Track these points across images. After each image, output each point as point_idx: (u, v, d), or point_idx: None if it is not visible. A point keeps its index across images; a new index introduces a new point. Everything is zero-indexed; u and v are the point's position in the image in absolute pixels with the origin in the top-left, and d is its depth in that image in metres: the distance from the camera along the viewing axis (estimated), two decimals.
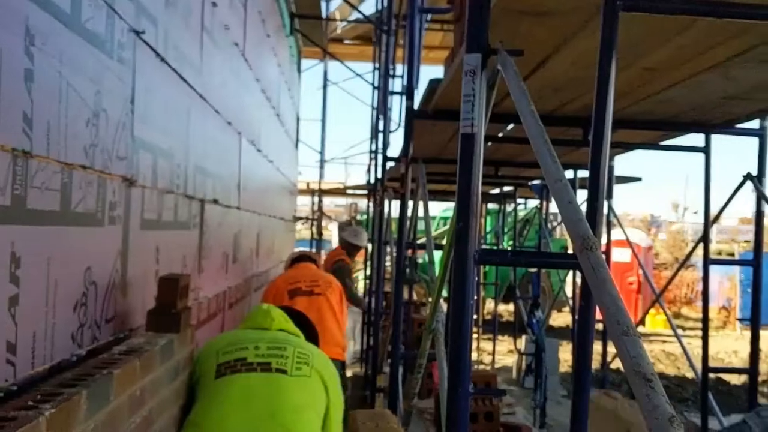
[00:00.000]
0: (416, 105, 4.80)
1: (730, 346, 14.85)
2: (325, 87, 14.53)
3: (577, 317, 6.17)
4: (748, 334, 5.52)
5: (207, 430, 2.49)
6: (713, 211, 5.24)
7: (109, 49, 2.25)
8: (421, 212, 5.28)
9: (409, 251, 7.06)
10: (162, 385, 2.29)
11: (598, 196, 1.99)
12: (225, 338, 2.88)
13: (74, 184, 1.97)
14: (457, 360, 2.07)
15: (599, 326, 4.67)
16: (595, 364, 5.90)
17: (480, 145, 2.06)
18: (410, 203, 5.43)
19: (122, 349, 2.12)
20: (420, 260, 11.35)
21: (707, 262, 5.14)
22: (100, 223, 2.20)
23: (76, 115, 1.98)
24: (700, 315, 5.71)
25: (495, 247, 11.76)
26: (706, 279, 5.19)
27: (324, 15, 11.83)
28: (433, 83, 4.27)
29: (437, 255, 4.65)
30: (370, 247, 9.41)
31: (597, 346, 6.14)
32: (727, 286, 19.39)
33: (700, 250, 5.34)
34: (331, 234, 18.59)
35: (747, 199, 4.92)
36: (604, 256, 1.36)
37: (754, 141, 4.62)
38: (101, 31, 2.19)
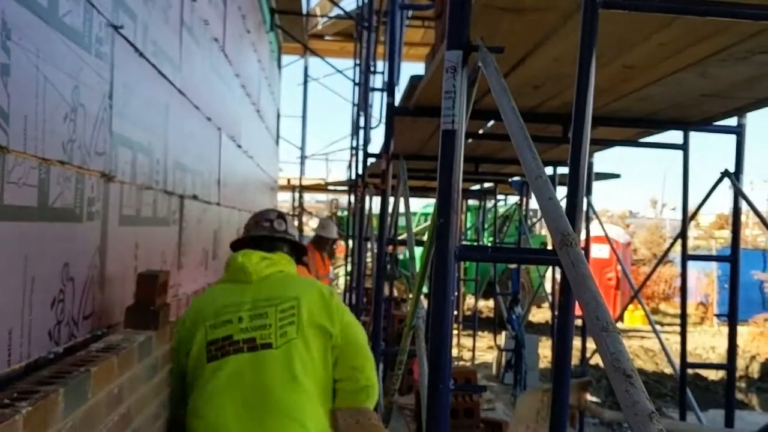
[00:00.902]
0: (397, 101, 4.80)
1: (708, 342, 14.97)
2: (305, 83, 14.52)
3: (556, 313, 6.20)
4: (725, 330, 5.57)
5: (211, 422, 2.54)
6: (691, 207, 5.28)
7: (87, 43, 2.23)
8: (401, 208, 5.28)
9: (390, 247, 7.06)
10: (140, 383, 2.27)
11: (578, 193, 1.99)
12: (210, 304, 2.77)
13: (52, 179, 1.95)
14: (437, 356, 2.08)
15: (579, 322, 4.69)
16: (575, 359, 5.93)
17: (461, 142, 2.07)
18: (391, 199, 5.43)
19: (100, 347, 2.10)
20: (401, 256, 11.36)
21: (685, 258, 5.18)
22: (79, 219, 2.18)
23: (53, 111, 1.96)
24: (678, 311, 5.77)
25: (475, 243, 11.79)
26: (684, 275, 5.23)
27: (304, 11, 11.80)
28: (414, 80, 4.26)
29: (418, 251, 4.66)
30: (351, 243, 9.39)
31: (576, 342, 6.18)
32: (705, 282, 19.56)
33: (678, 246, 5.37)
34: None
35: (725, 195, 4.95)
36: (583, 252, 1.36)
37: (732, 138, 4.66)
38: (79, 26, 2.16)
